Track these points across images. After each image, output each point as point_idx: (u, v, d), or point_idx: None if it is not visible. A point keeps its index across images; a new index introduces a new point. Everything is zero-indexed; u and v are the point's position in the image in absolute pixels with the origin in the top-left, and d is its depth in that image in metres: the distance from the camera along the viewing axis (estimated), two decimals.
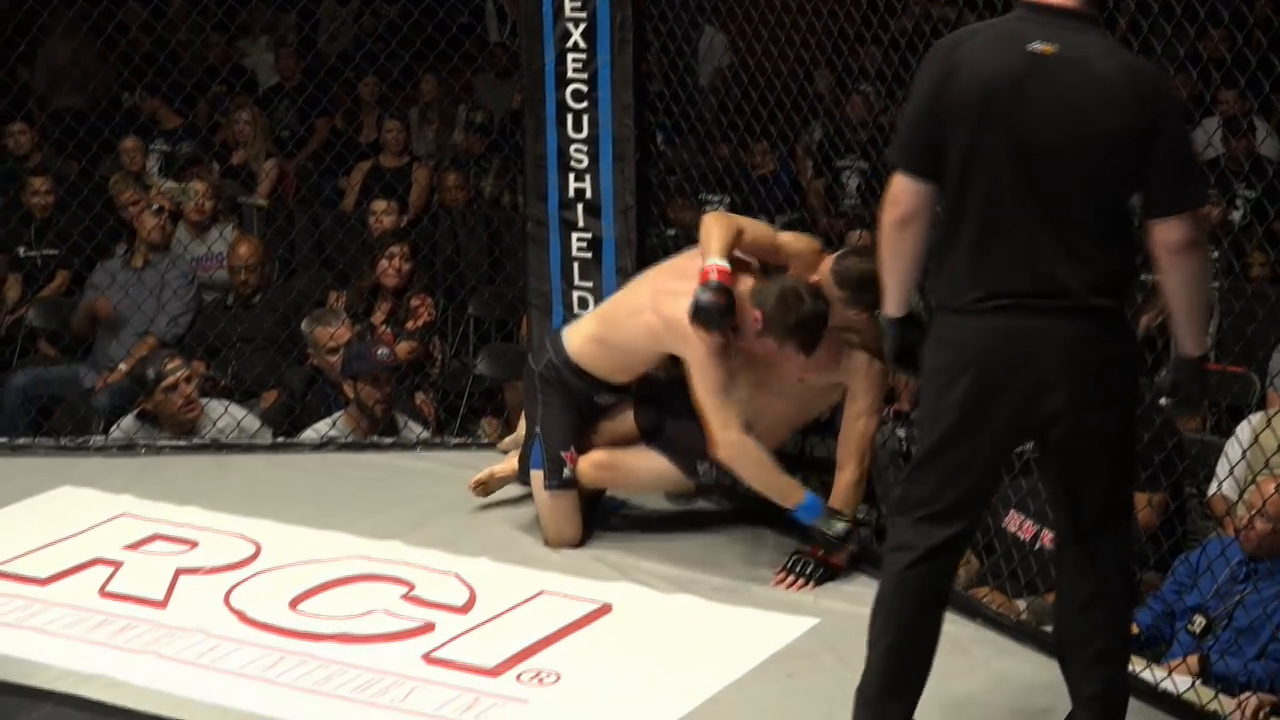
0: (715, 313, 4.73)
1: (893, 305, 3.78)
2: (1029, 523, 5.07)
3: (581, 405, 5.16)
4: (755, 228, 5.02)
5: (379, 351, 6.13)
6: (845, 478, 4.94)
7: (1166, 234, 3.52)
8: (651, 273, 5.15)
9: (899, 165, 3.64)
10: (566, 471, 5.11)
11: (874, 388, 4.96)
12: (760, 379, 4.94)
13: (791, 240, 5.07)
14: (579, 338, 5.12)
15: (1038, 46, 3.50)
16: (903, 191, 3.63)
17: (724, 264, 4.79)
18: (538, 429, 5.14)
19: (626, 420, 5.21)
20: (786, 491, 4.89)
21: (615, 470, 5.20)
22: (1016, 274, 3.55)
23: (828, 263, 4.84)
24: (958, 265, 3.60)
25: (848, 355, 4.91)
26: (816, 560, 4.88)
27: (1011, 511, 5.13)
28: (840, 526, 4.83)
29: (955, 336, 3.62)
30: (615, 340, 5.06)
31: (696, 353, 4.82)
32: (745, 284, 4.84)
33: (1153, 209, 3.54)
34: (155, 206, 7.38)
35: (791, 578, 4.87)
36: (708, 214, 5.02)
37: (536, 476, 5.14)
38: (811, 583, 4.85)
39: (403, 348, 6.62)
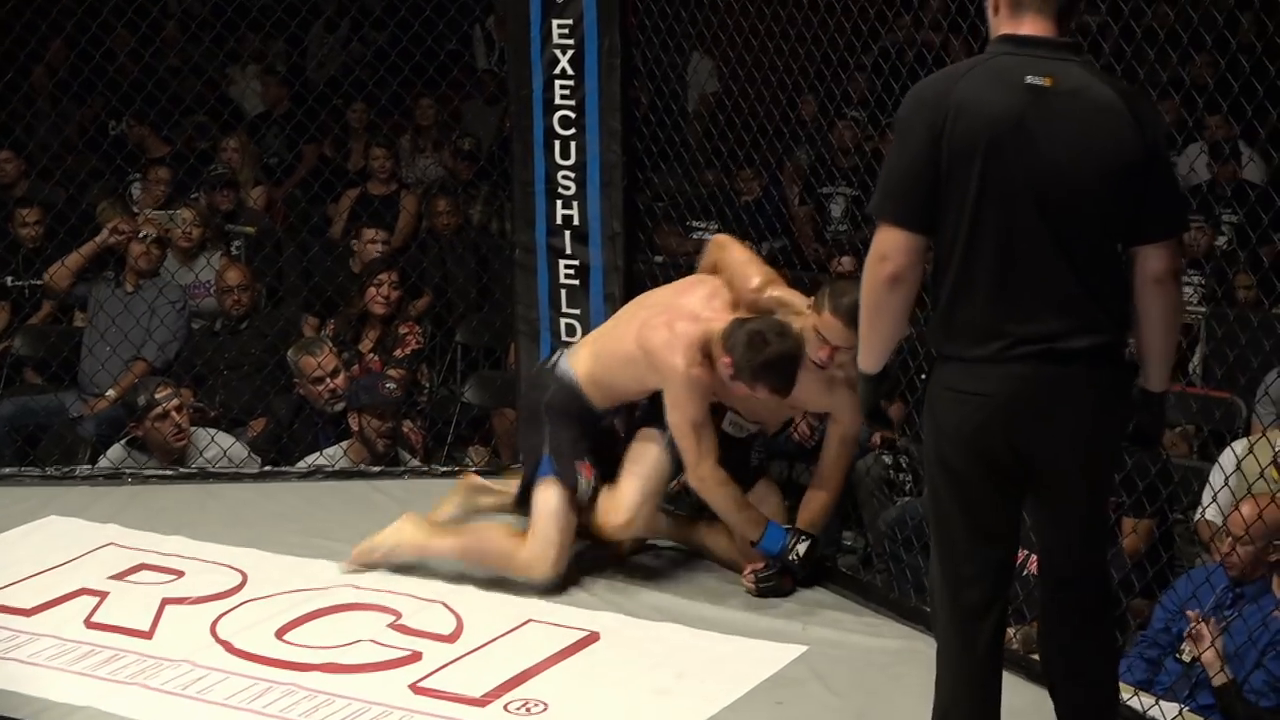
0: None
1: (873, 363, 3.57)
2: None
3: (587, 424, 5.09)
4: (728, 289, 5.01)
5: (386, 385, 6.15)
6: (820, 499, 4.99)
7: (1155, 260, 3.43)
8: (640, 307, 5.10)
9: (890, 219, 3.42)
10: (582, 483, 5.02)
11: (856, 415, 4.94)
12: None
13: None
14: (580, 371, 5.06)
15: (1036, 80, 3.36)
16: (894, 247, 3.41)
17: None
18: (546, 450, 5.03)
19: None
20: (749, 526, 4.93)
21: None
22: (1042, 316, 3.38)
23: (825, 312, 4.67)
24: (973, 315, 3.41)
25: (834, 385, 4.88)
26: (779, 577, 4.94)
27: None
28: (803, 548, 4.89)
29: (972, 386, 3.43)
30: (606, 379, 5.03)
31: (674, 387, 4.82)
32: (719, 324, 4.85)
33: (1145, 234, 3.42)
34: (142, 234, 7.37)
35: (754, 579, 4.93)
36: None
37: (549, 482, 4.99)
38: (761, 586, 4.92)
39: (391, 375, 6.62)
